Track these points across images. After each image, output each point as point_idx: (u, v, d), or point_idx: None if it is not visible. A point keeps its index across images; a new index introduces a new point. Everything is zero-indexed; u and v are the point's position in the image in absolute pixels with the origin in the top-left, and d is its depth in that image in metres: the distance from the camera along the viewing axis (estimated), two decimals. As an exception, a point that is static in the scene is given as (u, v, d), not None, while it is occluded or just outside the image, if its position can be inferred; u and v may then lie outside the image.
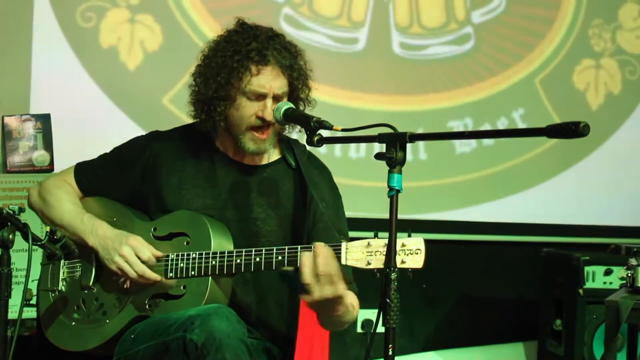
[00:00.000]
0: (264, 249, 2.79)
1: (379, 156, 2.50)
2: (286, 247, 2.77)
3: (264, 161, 3.06)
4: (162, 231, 2.96)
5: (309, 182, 2.97)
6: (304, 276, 2.61)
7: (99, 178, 3.12)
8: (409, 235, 2.62)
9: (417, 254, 2.60)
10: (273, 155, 3.08)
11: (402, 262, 2.58)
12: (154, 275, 2.88)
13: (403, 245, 2.60)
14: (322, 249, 2.62)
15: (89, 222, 2.98)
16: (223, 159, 3.04)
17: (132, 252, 2.88)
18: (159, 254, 2.91)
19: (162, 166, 3.03)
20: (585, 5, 5.64)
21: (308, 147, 2.91)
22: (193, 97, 3.00)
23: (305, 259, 2.62)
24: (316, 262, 2.60)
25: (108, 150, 3.18)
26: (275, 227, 2.99)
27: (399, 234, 2.49)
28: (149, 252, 2.90)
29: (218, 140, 3.06)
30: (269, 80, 2.89)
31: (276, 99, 2.92)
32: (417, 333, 5.50)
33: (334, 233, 2.90)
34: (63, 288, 3.06)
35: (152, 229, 2.98)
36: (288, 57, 2.92)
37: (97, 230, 2.96)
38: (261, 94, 2.90)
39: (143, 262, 2.88)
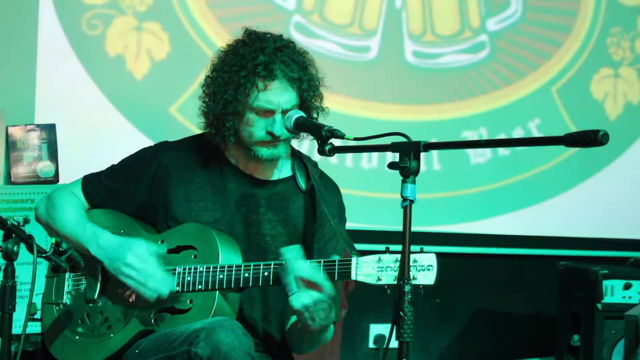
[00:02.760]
0: (272, 262, 2.78)
1: (392, 165, 2.47)
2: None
3: (275, 176, 3.04)
4: (170, 244, 2.94)
5: (321, 201, 2.96)
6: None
7: (106, 190, 3.09)
8: (421, 251, 2.60)
9: (429, 270, 2.58)
10: (284, 171, 3.06)
11: (414, 278, 2.55)
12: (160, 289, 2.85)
13: (415, 261, 2.58)
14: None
15: (91, 232, 2.96)
16: (233, 171, 3.02)
17: (137, 260, 2.85)
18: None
19: (171, 177, 3.00)
20: (604, 13, 5.60)
21: (319, 157, 2.88)
22: (202, 109, 2.98)
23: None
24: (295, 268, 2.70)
25: (115, 162, 3.15)
26: (284, 244, 2.96)
27: (411, 249, 2.49)
28: (154, 260, 2.86)
29: (229, 151, 3.04)
30: (276, 95, 2.87)
31: (286, 113, 2.89)
32: (431, 349, 5.48)
33: (347, 248, 2.87)
34: (68, 301, 3.04)
35: (160, 242, 2.95)
36: (296, 69, 2.90)
37: (98, 241, 2.94)
38: (269, 109, 2.88)
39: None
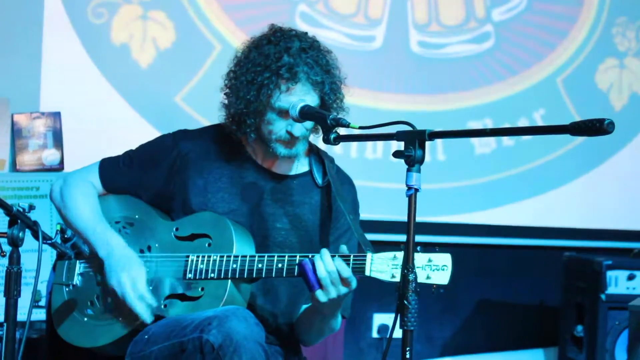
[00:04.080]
0: (286, 255, 2.79)
1: (397, 154, 2.47)
2: (309, 255, 2.76)
3: (292, 171, 3.05)
4: (184, 231, 2.95)
5: (337, 196, 2.97)
6: (319, 270, 2.68)
7: (123, 176, 3.08)
8: (437, 250, 2.61)
9: (443, 270, 2.59)
10: (301, 166, 3.06)
11: (428, 277, 2.58)
12: (143, 312, 2.85)
13: (430, 260, 2.59)
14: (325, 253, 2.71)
15: (102, 234, 2.96)
16: (252, 164, 3.02)
17: (129, 283, 2.85)
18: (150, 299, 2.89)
19: (189, 167, 3.01)
20: (609, 2, 5.59)
21: (325, 145, 2.89)
22: (224, 103, 2.99)
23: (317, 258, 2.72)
24: (325, 261, 2.68)
25: (120, 150, 3.15)
26: (298, 238, 2.99)
27: (426, 249, 2.55)
28: (144, 290, 2.87)
29: (248, 144, 3.03)
30: (298, 97, 2.86)
31: None
32: (435, 338, 5.47)
33: (361, 244, 2.88)
34: (78, 283, 3.03)
35: (174, 229, 2.97)
36: (320, 72, 2.89)
37: (107, 245, 2.94)
38: None
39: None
